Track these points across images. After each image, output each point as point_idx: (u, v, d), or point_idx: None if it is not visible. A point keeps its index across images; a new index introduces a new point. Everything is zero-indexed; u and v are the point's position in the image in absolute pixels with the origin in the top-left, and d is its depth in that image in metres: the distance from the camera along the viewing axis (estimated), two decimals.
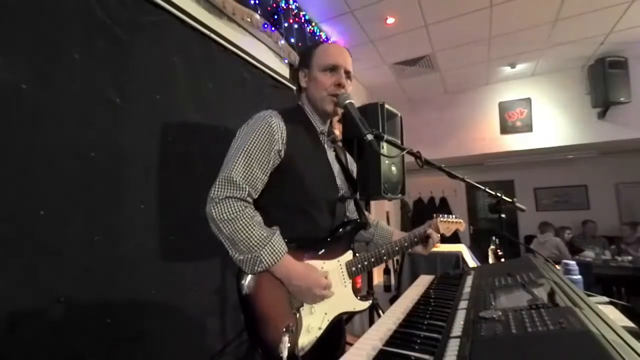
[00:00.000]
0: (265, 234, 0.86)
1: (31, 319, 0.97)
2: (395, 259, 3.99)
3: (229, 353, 1.60)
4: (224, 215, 0.85)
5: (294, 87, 2.33)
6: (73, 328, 1.05)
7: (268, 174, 0.94)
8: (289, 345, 0.81)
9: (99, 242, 1.15)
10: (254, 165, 0.90)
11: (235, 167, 0.89)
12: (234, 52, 1.93)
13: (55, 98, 1.09)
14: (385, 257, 1.06)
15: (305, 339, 0.89)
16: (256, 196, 0.93)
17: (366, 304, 1.02)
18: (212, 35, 1.78)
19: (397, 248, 1.08)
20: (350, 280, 1.01)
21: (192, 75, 1.63)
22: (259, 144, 0.91)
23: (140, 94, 1.37)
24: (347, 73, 1.05)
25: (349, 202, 1.16)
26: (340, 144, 1.14)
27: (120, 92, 1.29)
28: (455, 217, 1.22)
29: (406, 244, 1.11)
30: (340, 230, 1.04)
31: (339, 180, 1.09)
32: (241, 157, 0.90)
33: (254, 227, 0.86)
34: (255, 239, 0.84)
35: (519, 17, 3.05)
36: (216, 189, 0.87)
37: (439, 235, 1.16)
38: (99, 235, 1.16)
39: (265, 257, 0.84)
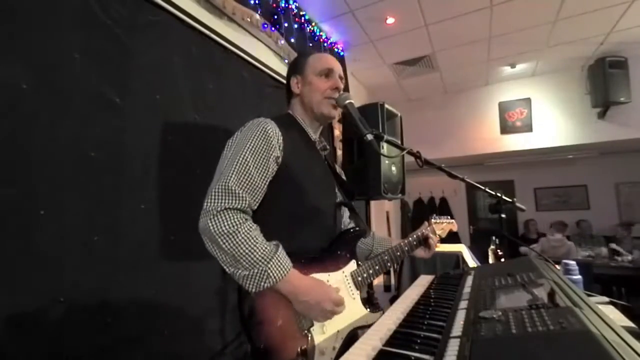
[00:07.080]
0: (269, 248, 0.80)
1: (31, 319, 0.97)
2: None
3: (229, 353, 1.60)
4: (223, 228, 0.77)
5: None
6: (73, 328, 1.05)
7: (267, 183, 0.88)
8: None
9: (99, 242, 1.15)
10: (252, 172, 0.84)
11: (233, 176, 0.82)
12: (234, 52, 1.93)
13: (55, 98, 1.09)
14: (389, 264, 1.05)
15: None
16: (256, 207, 0.87)
17: (378, 315, 0.96)
18: (212, 35, 1.77)
19: (398, 253, 1.08)
20: (358, 291, 0.96)
21: (192, 75, 1.63)
22: (256, 151, 0.86)
23: (140, 94, 1.37)
24: (341, 79, 1.06)
25: (344, 209, 1.14)
26: (327, 151, 1.13)
27: (120, 92, 1.28)
28: (448, 218, 1.27)
29: (407, 248, 1.12)
30: (342, 239, 1.00)
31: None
32: (238, 164, 0.83)
33: (257, 240, 0.79)
34: (260, 253, 0.77)
35: (519, 17, 3.05)
36: (212, 201, 0.79)
37: (437, 237, 1.20)
38: (99, 235, 1.16)
39: (273, 271, 0.77)
